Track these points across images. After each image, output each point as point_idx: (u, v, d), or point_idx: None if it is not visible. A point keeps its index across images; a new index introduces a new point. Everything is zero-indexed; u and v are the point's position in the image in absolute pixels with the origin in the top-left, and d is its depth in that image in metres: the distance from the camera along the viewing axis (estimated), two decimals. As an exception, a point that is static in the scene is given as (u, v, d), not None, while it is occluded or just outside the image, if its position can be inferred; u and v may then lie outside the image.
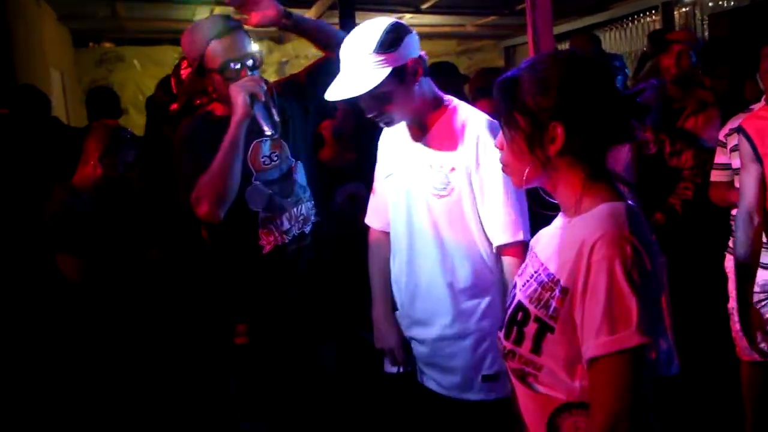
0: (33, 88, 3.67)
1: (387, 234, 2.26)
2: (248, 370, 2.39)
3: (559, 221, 1.43)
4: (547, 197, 1.42)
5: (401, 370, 2.21)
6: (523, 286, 1.39)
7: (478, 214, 2.00)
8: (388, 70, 1.87)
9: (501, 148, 1.42)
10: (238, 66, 2.20)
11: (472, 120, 2.01)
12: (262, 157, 2.30)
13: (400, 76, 1.90)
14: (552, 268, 1.32)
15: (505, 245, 1.98)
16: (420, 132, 2.07)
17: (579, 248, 1.25)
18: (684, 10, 6.24)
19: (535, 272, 1.37)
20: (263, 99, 2.15)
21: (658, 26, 6.46)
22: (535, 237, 1.53)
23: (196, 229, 2.64)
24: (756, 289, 2.87)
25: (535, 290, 1.33)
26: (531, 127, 1.32)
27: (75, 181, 2.73)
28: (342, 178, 3.32)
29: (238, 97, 2.13)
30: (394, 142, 2.17)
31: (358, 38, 1.91)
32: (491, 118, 1.99)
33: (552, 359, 1.30)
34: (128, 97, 7.37)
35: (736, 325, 2.99)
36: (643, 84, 2.66)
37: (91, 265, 2.61)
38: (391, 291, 2.25)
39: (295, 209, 2.35)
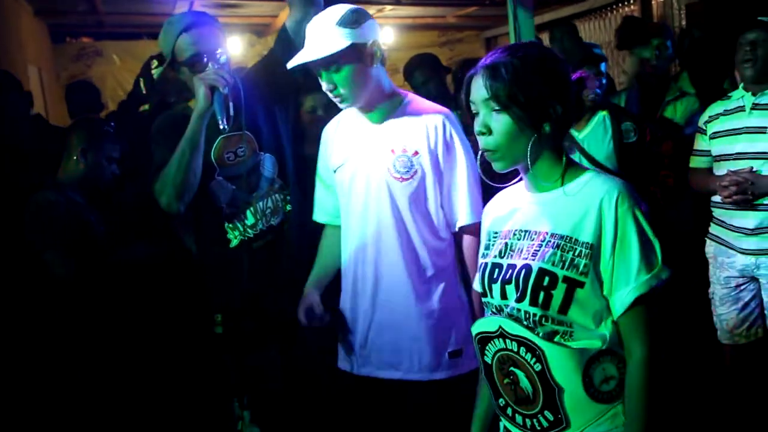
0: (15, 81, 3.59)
1: (335, 228, 2.29)
2: (227, 358, 2.43)
3: (533, 197, 1.55)
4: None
5: (325, 320, 2.19)
6: (533, 255, 1.48)
7: (437, 196, 2.09)
8: (347, 42, 1.96)
9: (489, 133, 1.49)
10: (206, 59, 2.22)
11: (434, 109, 2.11)
12: (227, 153, 2.31)
13: (359, 53, 1.99)
14: (564, 231, 1.45)
15: (468, 225, 2.09)
16: (379, 118, 2.12)
17: (599, 206, 1.42)
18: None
19: (543, 240, 1.48)
20: (224, 91, 2.16)
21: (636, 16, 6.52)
22: (505, 215, 1.62)
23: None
24: (735, 273, 2.94)
25: (554, 254, 1.45)
26: (535, 107, 1.45)
27: (59, 176, 2.71)
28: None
29: (199, 89, 2.16)
30: (344, 132, 2.21)
31: (324, 15, 2.00)
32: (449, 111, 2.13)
33: (580, 314, 1.43)
34: (107, 92, 7.30)
35: (716, 310, 3.05)
36: (581, 72, 2.87)
37: (78, 261, 2.60)
38: (326, 280, 2.29)
39: (261, 203, 2.36)
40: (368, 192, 2.11)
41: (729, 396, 3.08)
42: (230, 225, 2.34)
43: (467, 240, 2.13)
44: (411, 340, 2.10)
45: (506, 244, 1.56)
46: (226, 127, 2.18)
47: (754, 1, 4.81)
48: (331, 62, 1.97)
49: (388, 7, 6.90)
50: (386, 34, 8.03)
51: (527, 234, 1.53)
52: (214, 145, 2.29)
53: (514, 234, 1.55)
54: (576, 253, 1.43)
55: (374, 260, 2.13)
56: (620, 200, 1.41)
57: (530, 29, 3.10)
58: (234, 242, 2.35)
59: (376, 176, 2.09)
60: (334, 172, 2.21)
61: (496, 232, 1.61)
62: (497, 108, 1.46)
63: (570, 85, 1.50)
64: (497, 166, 1.52)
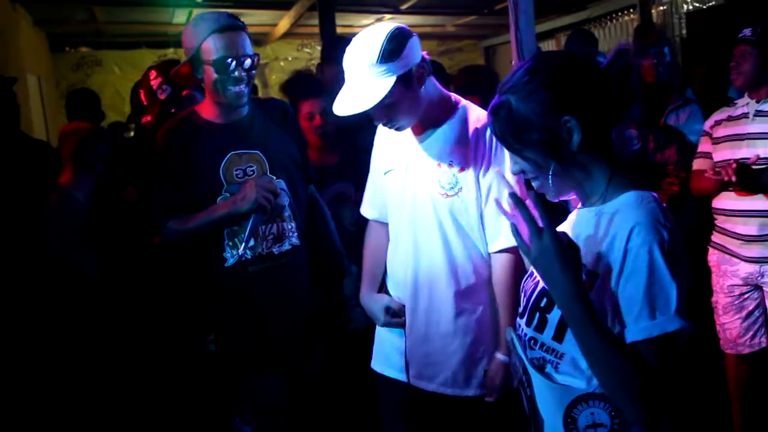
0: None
1: (382, 224, 2.25)
2: (223, 377, 2.38)
3: (577, 212, 1.42)
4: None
5: (403, 317, 2.15)
6: None
7: (481, 215, 2.00)
8: (393, 79, 1.83)
9: (523, 173, 1.38)
10: (234, 64, 2.16)
11: (484, 119, 1.96)
12: (236, 170, 2.26)
13: (406, 82, 1.87)
14: None
15: (505, 249, 1.98)
16: (428, 130, 2.03)
17: (612, 234, 1.25)
18: (661, 8, 6.31)
19: None
20: (266, 213, 2.19)
21: (635, 24, 6.53)
22: (563, 227, 1.50)
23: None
24: (738, 282, 2.92)
25: None
26: (544, 134, 1.30)
27: (62, 183, 2.76)
28: (327, 178, 3.31)
29: (251, 193, 2.15)
30: (395, 138, 2.13)
31: (361, 49, 1.85)
32: None
33: (575, 347, 1.28)
34: (107, 101, 7.32)
35: (719, 319, 3.03)
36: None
37: (101, 261, 2.66)
38: (380, 277, 2.25)
39: (264, 227, 2.29)
40: (414, 203, 2.06)
41: (732, 406, 3.06)
42: (229, 243, 2.27)
43: (500, 262, 2.01)
44: (447, 354, 2.05)
45: None
46: (244, 255, 2.23)
47: (752, 11, 4.84)
48: (380, 102, 1.85)
49: (387, 16, 6.92)
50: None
51: None
52: (224, 160, 2.23)
53: None
54: None
55: (416, 272, 2.08)
56: (636, 232, 1.22)
57: (532, 38, 3.09)
58: (230, 261, 2.27)
59: (423, 189, 2.03)
60: (384, 174, 2.17)
61: None
62: (515, 153, 1.37)
63: (591, 83, 1.31)
64: (549, 197, 1.39)
